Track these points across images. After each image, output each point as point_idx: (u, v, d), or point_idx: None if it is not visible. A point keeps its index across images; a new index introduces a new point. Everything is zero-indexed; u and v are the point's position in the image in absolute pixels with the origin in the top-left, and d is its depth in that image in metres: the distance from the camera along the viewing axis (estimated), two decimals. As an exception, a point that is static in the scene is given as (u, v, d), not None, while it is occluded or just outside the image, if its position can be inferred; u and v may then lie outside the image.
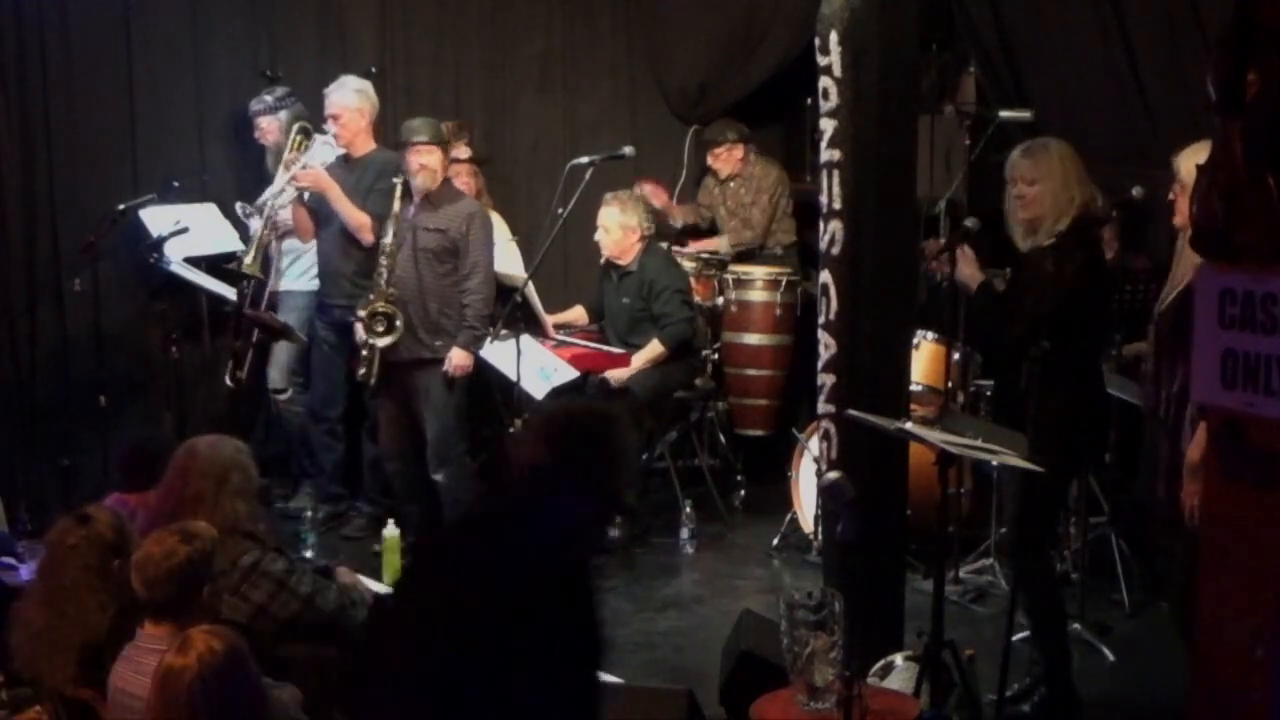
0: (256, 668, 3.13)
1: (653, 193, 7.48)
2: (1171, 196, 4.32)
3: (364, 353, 6.09)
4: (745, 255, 7.57)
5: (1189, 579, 4.04)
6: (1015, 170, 4.65)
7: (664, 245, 7.29)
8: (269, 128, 6.75)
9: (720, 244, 7.56)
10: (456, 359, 6.03)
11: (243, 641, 3.12)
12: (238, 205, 6.73)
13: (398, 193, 6.08)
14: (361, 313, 6.04)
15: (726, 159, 7.61)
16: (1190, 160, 4.11)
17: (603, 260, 6.80)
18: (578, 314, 7.00)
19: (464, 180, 6.69)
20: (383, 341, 6.00)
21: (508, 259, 6.76)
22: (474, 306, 6.04)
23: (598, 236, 6.68)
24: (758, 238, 7.58)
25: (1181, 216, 4.24)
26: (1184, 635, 4.23)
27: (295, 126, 6.65)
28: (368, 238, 6.27)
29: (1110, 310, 5.04)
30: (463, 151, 6.94)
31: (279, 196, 6.59)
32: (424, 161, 6.02)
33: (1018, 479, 4.54)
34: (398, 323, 5.98)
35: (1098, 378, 4.83)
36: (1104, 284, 4.83)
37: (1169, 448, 4.21)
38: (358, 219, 6.28)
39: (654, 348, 6.55)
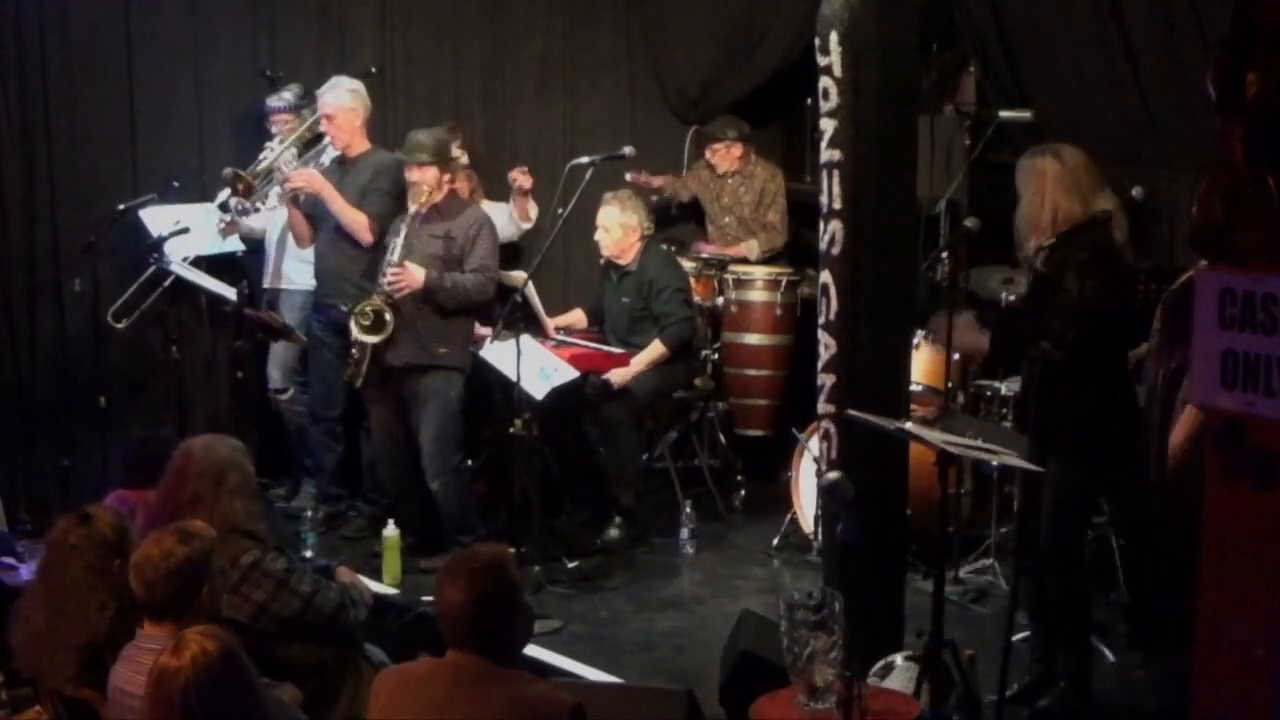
0: (252, 668, 3.11)
1: (643, 180, 7.50)
2: None
3: (354, 351, 6.09)
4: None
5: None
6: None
7: (666, 247, 7.30)
8: (291, 127, 6.74)
9: (750, 250, 7.54)
10: (411, 269, 5.97)
11: (237, 642, 3.10)
12: (232, 201, 6.64)
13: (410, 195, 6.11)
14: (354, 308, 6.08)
15: (725, 156, 7.61)
16: None
17: (602, 260, 6.80)
18: (577, 317, 6.99)
19: (459, 182, 6.69)
20: (370, 338, 6.00)
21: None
22: (471, 280, 5.99)
23: (598, 236, 6.68)
24: (783, 240, 7.59)
25: None
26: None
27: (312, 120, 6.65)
28: (367, 238, 6.27)
29: (1129, 310, 5.01)
30: (458, 154, 6.93)
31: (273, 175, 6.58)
32: (414, 179, 6.05)
33: (1049, 486, 4.56)
34: (387, 317, 5.97)
35: (1124, 380, 4.82)
36: (1121, 286, 4.80)
37: (1159, 424, 4.22)
38: (355, 219, 6.28)
39: (655, 348, 6.55)
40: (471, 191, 6.87)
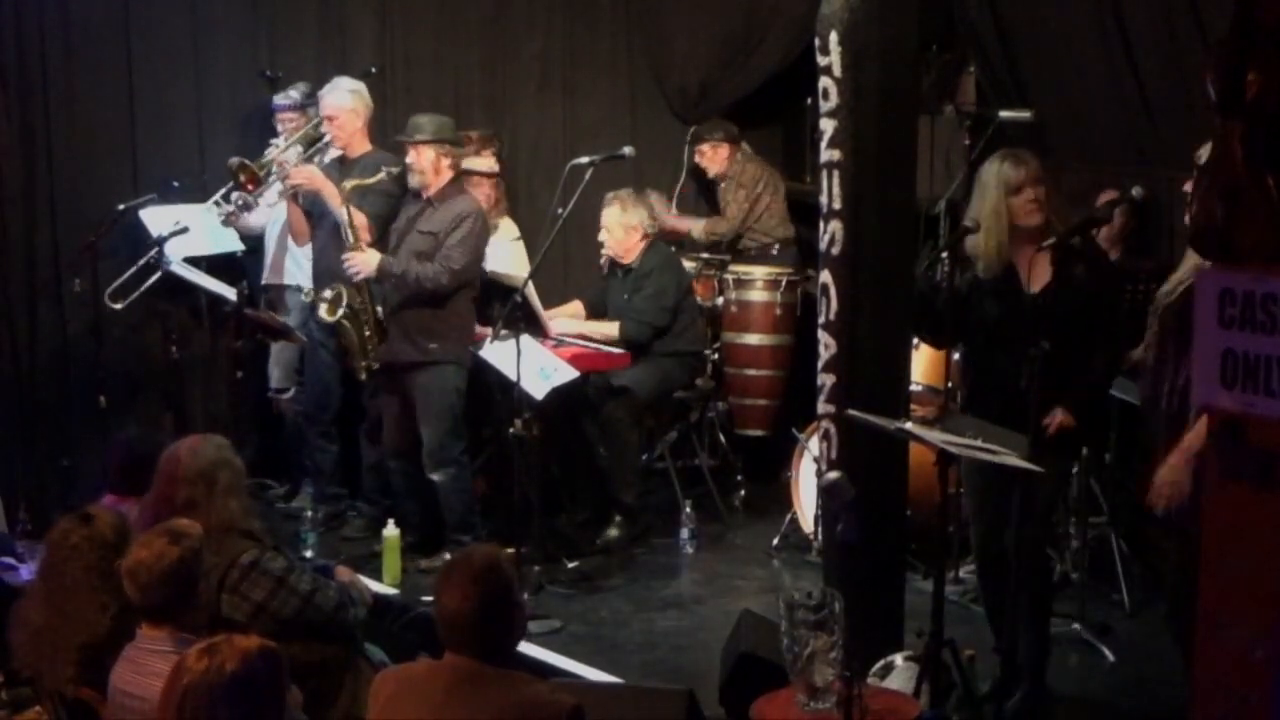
0: (271, 700, 2.98)
1: (662, 206, 7.54)
2: (1188, 189, 4.27)
3: (342, 341, 6.19)
4: (744, 254, 7.58)
5: (1181, 576, 4.07)
6: (1025, 175, 4.62)
7: (670, 247, 7.30)
8: (297, 125, 6.74)
9: (695, 228, 7.59)
10: (366, 254, 6.03)
11: (266, 673, 2.96)
12: (233, 196, 6.61)
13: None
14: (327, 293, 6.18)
15: (712, 157, 7.65)
16: None
17: (603, 259, 6.79)
18: (575, 309, 6.93)
19: (485, 191, 6.68)
20: (328, 317, 6.16)
21: (511, 259, 6.75)
22: (426, 269, 5.93)
23: (601, 237, 6.67)
24: (731, 230, 7.61)
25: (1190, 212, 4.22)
26: (1177, 638, 4.25)
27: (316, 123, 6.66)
28: (365, 237, 6.27)
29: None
30: (487, 161, 6.90)
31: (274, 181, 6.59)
32: (408, 160, 6.08)
33: (1047, 485, 4.58)
34: (344, 298, 6.11)
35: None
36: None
37: (1169, 439, 4.19)
38: (357, 218, 6.27)
39: (610, 328, 6.56)
40: (496, 201, 6.85)
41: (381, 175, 6.16)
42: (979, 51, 6.93)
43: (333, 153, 6.62)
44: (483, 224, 6.16)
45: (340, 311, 6.14)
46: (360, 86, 6.50)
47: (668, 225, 7.53)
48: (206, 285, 6.61)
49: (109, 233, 6.43)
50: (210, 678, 2.88)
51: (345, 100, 6.42)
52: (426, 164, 6.03)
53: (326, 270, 6.45)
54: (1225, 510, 2.94)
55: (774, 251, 7.59)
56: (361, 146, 6.49)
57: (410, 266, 5.96)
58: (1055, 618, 5.09)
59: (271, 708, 2.98)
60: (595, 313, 6.90)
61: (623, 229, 6.60)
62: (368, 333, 6.21)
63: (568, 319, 6.77)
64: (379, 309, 6.22)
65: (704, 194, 8.21)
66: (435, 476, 6.10)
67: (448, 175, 6.10)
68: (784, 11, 7.60)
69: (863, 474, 4.44)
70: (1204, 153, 4.18)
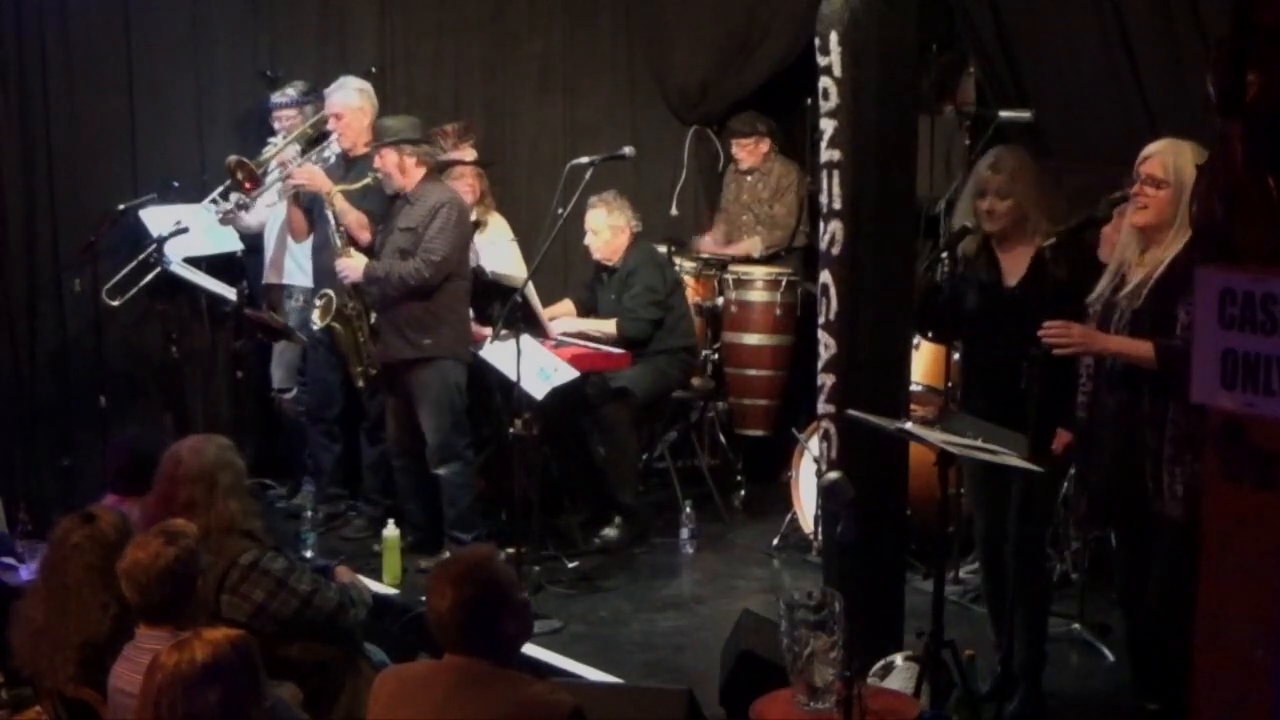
0: (247, 689, 3.00)
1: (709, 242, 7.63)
2: (1135, 192, 4.20)
3: (340, 347, 6.21)
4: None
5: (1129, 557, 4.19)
6: (988, 180, 4.60)
7: (667, 247, 7.29)
8: (294, 123, 6.74)
9: (752, 248, 7.56)
10: (353, 259, 6.07)
11: (239, 660, 2.98)
12: (232, 196, 6.62)
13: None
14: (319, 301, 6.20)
15: (752, 151, 7.64)
16: (1161, 158, 4.09)
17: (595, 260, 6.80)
18: (566, 308, 6.90)
19: (468, 182, 6.67)
20: (320, 321, 6.20)
21: (508, 259, 6.76)
22: (408, 266, 5.90)
23: (587, 240, 6.67)
24: (787, 237, 7.59)
25: (1144, 216, 4.17)
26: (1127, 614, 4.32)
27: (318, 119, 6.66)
28: (365, 236, 6.28)
29: None
30: (467, 154, 6.92)
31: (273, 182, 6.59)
32: (376, 165, 6.08)
33: (1029, 480, 4.57)
34: (333, 306, 6.14)
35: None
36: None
37: (1179, 457, 4.13)
38: (355, 218, 6.29)
39: (609, 326, 6.56)
40: (481, 194, 6.84)
41: (367, 180, 6.17)
42: (979, 51, 6.93)
43: (335, 150, 6.62)
44: (460, 212, 6.11)
45: (330, 316, 6.13)
46: (367, 86, 6.52)
47: (728, 253, 7.53)
48: (206, 285, 6.61)
49: (109, 232, 6.43)
50: (182, 670, 2.91)
51: (353, 99, 6.43)
52: (391, 166, 6.03)
53: (326, 269, 6.46)
54: (1225, 510, 2.94)
55: (782, 253, 7.60)
56: (366, 146, 6.49)
57: (393, 267, 5.96)
58: (1055, 618, 5.10)
59: (247, 693, 3.00)
60: (585, 314, 6.90)
61: (610, 230, 6.60)
62: (362, 339, 6.21)
63: (567, 316, 6.78)
64: (373, 316, 6.23)
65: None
66: (441, 471, 6.09)
67: (418, 173, 6.07)
68: (784, 11, 7.60)
69: (863, 474, 4.43)
70: (1145, 154, 4.19)
